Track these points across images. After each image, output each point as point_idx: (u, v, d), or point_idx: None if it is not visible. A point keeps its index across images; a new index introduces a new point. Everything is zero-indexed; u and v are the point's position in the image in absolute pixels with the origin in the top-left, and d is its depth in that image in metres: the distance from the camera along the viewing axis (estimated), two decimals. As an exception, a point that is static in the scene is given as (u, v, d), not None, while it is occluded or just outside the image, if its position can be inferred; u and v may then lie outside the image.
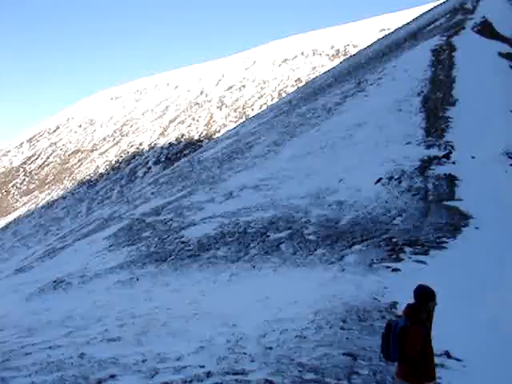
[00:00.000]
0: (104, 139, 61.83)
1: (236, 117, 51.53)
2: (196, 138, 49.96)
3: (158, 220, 17.45)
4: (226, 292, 9.94)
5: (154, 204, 20.48)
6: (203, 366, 5.94)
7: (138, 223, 18.16)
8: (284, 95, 45.78)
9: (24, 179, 63.38)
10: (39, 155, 69.29)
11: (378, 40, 43.64)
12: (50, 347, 7.73)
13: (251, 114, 48.08)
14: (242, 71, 62.82)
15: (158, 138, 51.95)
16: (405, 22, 45.05)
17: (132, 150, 52.84)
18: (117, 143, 57.31)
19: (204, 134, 50.31)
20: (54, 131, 75.93)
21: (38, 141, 75.69)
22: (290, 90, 49.26)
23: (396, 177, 15.06)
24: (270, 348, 6.42)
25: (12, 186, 62.95)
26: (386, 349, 4.26)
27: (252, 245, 12.23)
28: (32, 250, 31.38)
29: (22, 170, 66.98)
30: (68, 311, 10.89)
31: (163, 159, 46.22)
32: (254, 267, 10.93)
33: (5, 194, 61.89)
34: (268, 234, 12.63)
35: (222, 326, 7.62)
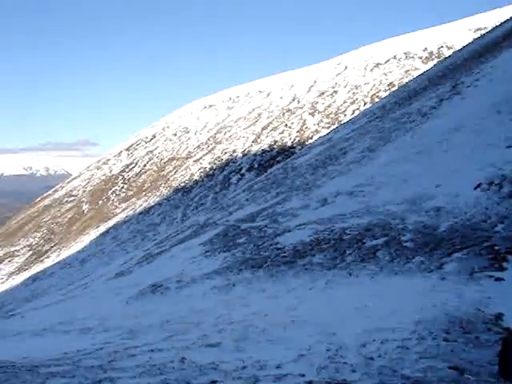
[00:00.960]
0: (198, 147, 63.01)
1: (328, 123, 51.23)
2: (289, 144, 50.03)
3: (252, 226, 17.57)
4: (323, 299, 9.86)
5: (249, 210, 20.64)
6: (303, 375, 5.87)
7: (233, 229, 18.35)
8: (377, 100, 45.16)
9: (122, 186, 65.57)
10: (137, 163, 71.50)
11: (474, 40, 42.18)
12: (152, 350, 7.91)
13: (344, 119, 47.69)
14: (334, 77, 62.43)
15: (251, 145, 52.39)
16: (502, 20, 43.31)
17: (225, 157, 53.53)
18: (211, 150, 58.25)
19: (297, 140, 50.30)
20: (151, 140, 78.14)
21: (136, 149, 78.14)
22: (383, 94, 48.47)
23: (496, 182, 14.46)
24: (371, 358, 6.26)
25: (111, 193, 65.25)
26: (504, 366, 4.04)
27: (348, 252, 12.09)
28: (130, 254, 32.35)
29: (120, 177, 69.35)
30: (166, 315, 11.14)
31: (256, 166, 46.55)
32: (350, 274, 10.80)
33: (105, 200, 64.23)
34: (364, 240, 12.44)
35: (321, 334, 7.53)
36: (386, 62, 58.69)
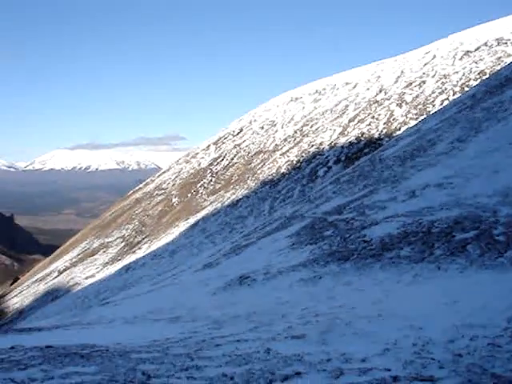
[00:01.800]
0: (285, 140, 63.06)
1: (416, 114, 50.01)
2: (376, 136, 49.25)
3: (339, 219, 17.46)
4: (410, 293, 9.70)
5: (336, 203, 20.51)
6: (389, 370, 5.78)
7: (320, 222, 18.30)
8: (466, 89, 43.70)
9: (211, 180, 66.56)
10: (224, 157, 72.42)
11: None
12: (238, 340, 8.03)
13: (432, 110, 46.42)
14: (422, 67, 60.78)
15: (338, 138, 51.92)
16: None
17: (312, 149, 53.32)
18: (297, 143, 58.16)
19: (384, 132, 49.44)
20: (238, 133, 78.91)
21: (224, 143, 79.15)
22: (473, 83, 46.78)
23: None
24: (460, 355, 6.06)
25: (200, 186, 66.38)
26: None
27: (436, 245, 11.81)
28: (218, 246, 32.84)
29: (209, 170, 70.43)
30: (253, 306, 11.27)
31: (343, 158, 46.11)
32: (438, 268, 10.56)
33: (194, 193, 65.43)
34: (453, 233, 12.11)
35: (408, 328, 7.41)
36: (476, 50, 56.59)
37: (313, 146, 54.20)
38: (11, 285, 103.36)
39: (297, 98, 78.38)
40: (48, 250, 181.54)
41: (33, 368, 7.08)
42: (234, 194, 55.83)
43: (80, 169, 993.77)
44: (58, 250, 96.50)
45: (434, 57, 61.67)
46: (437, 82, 54.66)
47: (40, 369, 7.00)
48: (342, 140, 50.50)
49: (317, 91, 75.92)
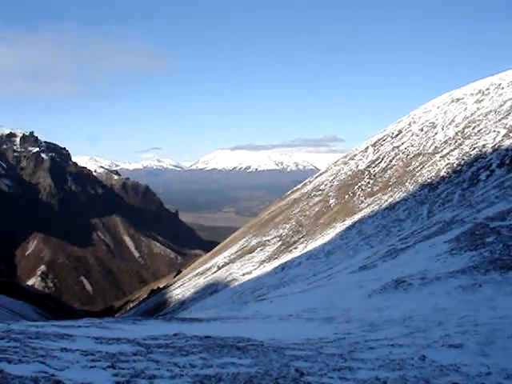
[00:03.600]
0: (445, 142, 60.95)
1: None
2: (546, 138, 46.25)
3: (503, 225, 16.69)
4: None
5: (499, 208, 19.62)
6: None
7: (481, 228, 17.60)
8: None
9: (368, 182, 65.92)
10: (382, 159, 71.39)
11: None
12: (392, 345, 7.99)
13: None
14: None
15: (503, 140, 49.26)
16: None
17: (474, 152, 51.08)
18: (458, 146, 55.98)
19: (555, 134, 46.29)
20: (397, 135, 77.41)
21: (382, 145, 78.03)
22: None
23: None
24: None
25: (357, 188, 65.96)
26: None
27: None
28: (374, 249, 32.52)
29: (366, 172, 69.81)
30: (408, 311, 11.12)
31: (508, 162, 43.71)
32: None
33: (351, 195, 65.16)
34: None
35: None
36: None
37: (475, 148, 51.94)
38: (175, 277, 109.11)
39: (458, 99, 75.44)
40: (208, 245, 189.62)
41: (193, 355, 7.56)
42: (392, 196, 54.92)
43: (240, 169, 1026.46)
44: (218, 247, 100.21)
45: None
46: None
47: (200, 356, 7.46)
48: (507, 142, 47.87)
49: (480, 91, 72.58)
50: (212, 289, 56.95)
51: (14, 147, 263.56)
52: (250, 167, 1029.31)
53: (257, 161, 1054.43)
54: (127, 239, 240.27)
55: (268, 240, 68.86)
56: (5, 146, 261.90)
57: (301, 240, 59.34)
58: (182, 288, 73.96)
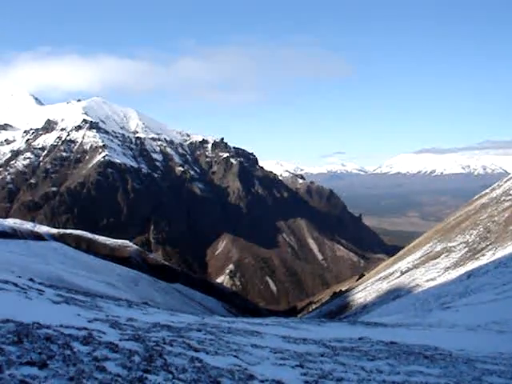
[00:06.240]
0: None
1: None
2: None
3: None
4: None
5: None
6: None
7: None
8: None
9: None
10: None
11: None
12: None
13: None
14: None
15: None
16: None
17: None
18: None
19: None
20: None
21: None
22: None
23: None
24: None
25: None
26: None
27: None
28: None
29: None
30: None
31: None
32: None
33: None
34: None
35: None
36: None
37: None
38: (357, 280, 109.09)
39: None
40: (391, 250, 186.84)
41: (380, 361, 7.89)
42: None
43: (425, 173, 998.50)
44: (402, 251, 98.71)
45: None
46: None
47: (386, 362, 7.77)
48: None
49: None
50: (394, 294, 56.39)
51: (206, 153, 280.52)
52: (434, 171, 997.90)
53: (442, 164, 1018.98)
54: (311, 242, 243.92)
55: (454, 246, 66.63)
56: (198, 152, 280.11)
57: (489, 247, 56.77)
58: (364, 292, 73.89)
